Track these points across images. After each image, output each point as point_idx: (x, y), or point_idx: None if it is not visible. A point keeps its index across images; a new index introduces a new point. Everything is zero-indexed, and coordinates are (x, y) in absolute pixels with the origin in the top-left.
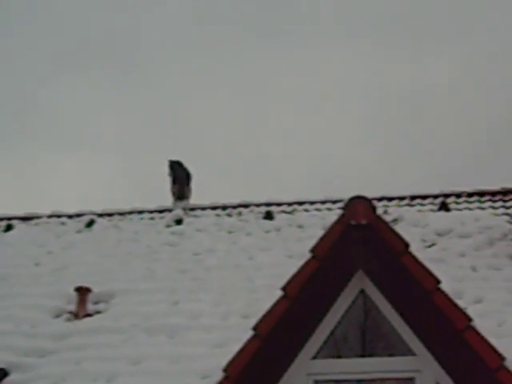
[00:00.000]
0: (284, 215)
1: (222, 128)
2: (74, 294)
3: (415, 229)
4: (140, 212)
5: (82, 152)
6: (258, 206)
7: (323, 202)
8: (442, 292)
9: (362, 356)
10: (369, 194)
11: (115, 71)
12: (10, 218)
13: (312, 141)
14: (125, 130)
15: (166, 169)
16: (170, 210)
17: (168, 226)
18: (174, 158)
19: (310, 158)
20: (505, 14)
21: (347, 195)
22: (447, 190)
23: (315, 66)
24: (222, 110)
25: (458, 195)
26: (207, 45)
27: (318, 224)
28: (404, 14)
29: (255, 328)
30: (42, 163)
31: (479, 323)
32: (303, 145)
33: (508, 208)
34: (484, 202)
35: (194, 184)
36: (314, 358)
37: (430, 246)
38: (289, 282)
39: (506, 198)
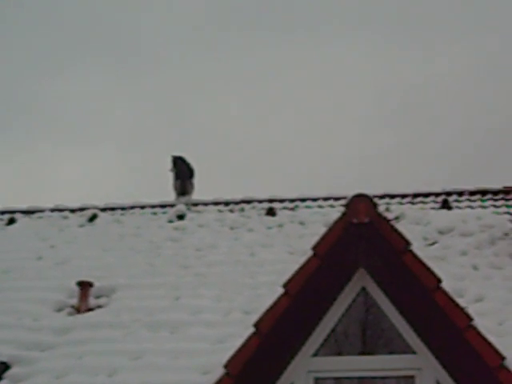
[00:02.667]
0: (286, 212)
1: (225, 124)
2: (76, 288)
3: (417, 227)
4: (142, 207)
5: (84, 146)
6: (260, 202)
7: (325, 199)
8: (443, 290)
9: (363, 354)
10: (371, 192)
11: (122, 65)
12: (12, 212)
13: (315, 137)
14: (128, 125)
15: (169, 164)
16: (172, 205)
17: (170, 221)
18: (177, 154)
19: (313, 154)
20: None
21: (350, 192)
22: (449, 188)
23: (318, 59)
24: (225, 105)
25: (460, 193)
26: (214, 41)
27: (320, 221)
28: (415, 2)
29: (256, 325)
30: (44, 157)
31: (480, 322)
32: (306, 141)
33: (510, 207)
34: (486, 200)
35: (196, 179)
36: (315, 355)
37: (431, 244)
38: (290, 280)
39: (508, 197)
